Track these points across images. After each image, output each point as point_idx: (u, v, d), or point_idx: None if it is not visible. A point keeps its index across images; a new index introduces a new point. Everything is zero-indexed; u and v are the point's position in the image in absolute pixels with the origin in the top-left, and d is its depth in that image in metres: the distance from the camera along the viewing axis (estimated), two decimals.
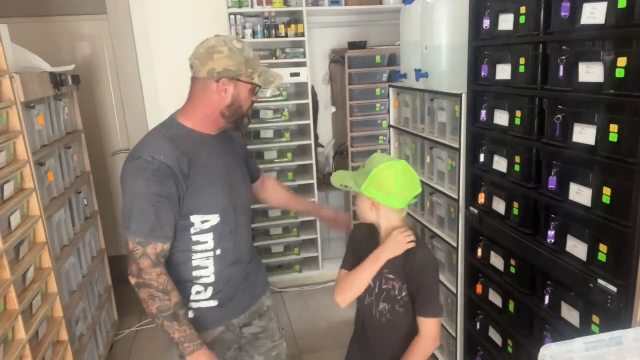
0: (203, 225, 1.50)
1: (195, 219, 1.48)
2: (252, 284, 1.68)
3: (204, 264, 1.53)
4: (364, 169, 1.52)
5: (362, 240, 1.64)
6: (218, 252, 1.54)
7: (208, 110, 1.50)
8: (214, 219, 1.50)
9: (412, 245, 1.50)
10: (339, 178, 1.57)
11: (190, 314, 1.53)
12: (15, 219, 1.93)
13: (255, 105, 3.52)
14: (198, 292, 1.54)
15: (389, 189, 1.47)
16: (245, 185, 1.67)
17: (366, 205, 1.53)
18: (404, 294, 1.52)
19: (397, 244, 1.50)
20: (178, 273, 1.50)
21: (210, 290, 1.55)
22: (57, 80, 2.48)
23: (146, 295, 1.42)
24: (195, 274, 1.53)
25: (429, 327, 1.49)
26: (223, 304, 1.58)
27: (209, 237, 1.51)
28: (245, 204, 1.65)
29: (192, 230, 1.49)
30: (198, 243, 1.51)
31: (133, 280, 1.43)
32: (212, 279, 1.55)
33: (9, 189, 1.92)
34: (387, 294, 1.56)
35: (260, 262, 1.80)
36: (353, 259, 1.64)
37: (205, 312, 1.56)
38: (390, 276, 1.55)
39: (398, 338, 1.56)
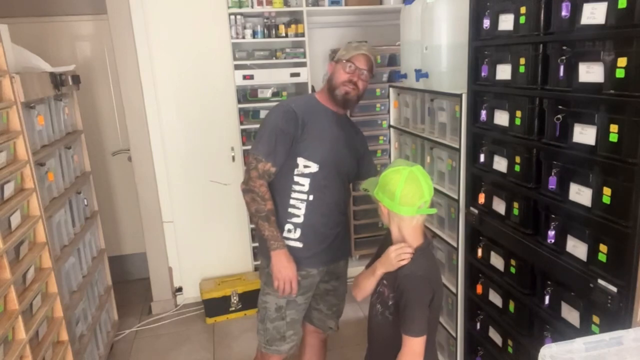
0: (304, 170, 1.88)
1: (300, 161, 1.88)
2: (336, 246, 2.03)
3: (298, 205, 1.91)
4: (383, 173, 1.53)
5: (384, 244, 1.64)
6: (311, 197, 1.90)
7: (325, 87, 1.97)
8: (314, 167, 1.88)
9: (403, 263, 1.49)
10: (368, 182, 1.60)
11: None
12: (15, 219, 1.93)
13: (256, 105, 3.53)
14: (289, 230, 1.92)
15: (391, 193, 1.47)
16: (349, 161, 2.01)
17: (382, 210, 1.54)
18: (390, 303, 1.52)
19: (389, 260, 1.51)
20: (278, 208, 1.91)
21: (298, 232, 1.92)
22: (57, 80, 2.48)
23: (249, 198, 1.87)
24: (290, 210, 1.91)
25: (408, 345, 1.44)
26: (307, 249, 1.93)
27: (306, 182, 1.89)
28: (342, 173, 1.99)
29: (296, 171, 1.89)
30: (297, 184, 1.89)
31: (242, 187, 1.89)
32: (301, 220, 1.92)
33: (9, 189, 1.92)
34: (381, 297, 1.57)
35: (347, 233, 2.17)
36: (373, 261, 1.66)
37: (292, 251, 1.90)
38: (384, 282, 1.56)
39: (385, 341, 1.56)
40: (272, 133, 1.85)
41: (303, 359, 2.28)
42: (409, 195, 1.46)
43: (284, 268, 1.86)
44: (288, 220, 1.92)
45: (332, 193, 1.95)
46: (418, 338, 1.43)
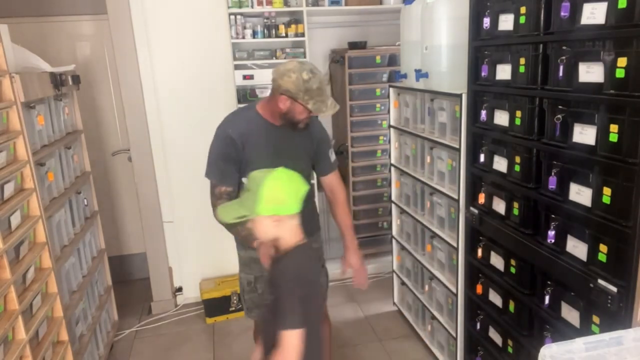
0: None
1: (245, 180, 1.90)
2: None
3: None
4: (250, 192, 1.49)
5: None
6: None
7: (273, 109, 1.98)
8: None
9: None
10: (227, 213, 1.56)
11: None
12: (15, 219, 1.93)
13: None
14: None
15: (280, 198, 1.46)
16: (299, 167, 1.99)
17: (266, 225, 1.49)
18: (267, 299, 1.51)
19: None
20: None
21: None
22: (57, 80, 2.48)
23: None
24: None
25: (283, 340, 1.40)
26: None
27: None
28: None
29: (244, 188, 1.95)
30: None
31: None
32: None
33: (9, 189, 1.92)
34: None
35: (310, 216, 2.22)
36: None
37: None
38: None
39: (271, 341, 1.51)
40: (218, 160, 2.01)
41: None
42: (296, 189, 1.49)
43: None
44: None
45: None
46: (294, 331, 1.40)
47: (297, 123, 1.96)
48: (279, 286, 1.47)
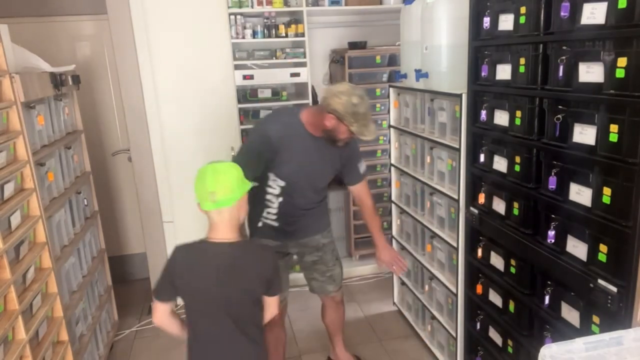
0: (273, 182, 2.20)
1: (271, 175, 2.18)
2: (306, 224, 2.33)
3: (272, 200, 2.24)
4: None
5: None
6: (280, 199, 2.23)
7: (317, 122, 2.10)
8: (281, 182, 2.19)
9: None
10: None
11: (259, 224, 2.28)
12: (15, 219, 1.93)
13: (256, 105, 3.53)
14: (268, 213, 2.26)
15: (197, 190, 1.58)
16: (321, 176, 2.29)
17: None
18: None
19: None
20: (261, 198, 2.23)
21: (274, 216, 2.26)
22: (57, 80, 2.48)
23: None
24: (266, 203, 2.25)
25: None
26: (280, 228, 2.26)
27: (277, 189, 2.21)
28: (313, 184, 2.27)
29: (270, 179, 2.20)
30: (271, 187, 2.22)
31: None
32: (275, 210, 2.25)
33: (9, 189, 1.92)
34: None
35: (322, 215, 2.42)
36: None
37: (269, 226, 2.28)
38: None
39: None
40: (249, 152, 2.16)
41: (322, 316, 2.67)
42: (198, 190, 1.58)
43: None
44: (266, 209, 2.26)
45: (300, 196, 2.24)
46: (154, 298, 1.67)
47: (337, 141, 2.10)
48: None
